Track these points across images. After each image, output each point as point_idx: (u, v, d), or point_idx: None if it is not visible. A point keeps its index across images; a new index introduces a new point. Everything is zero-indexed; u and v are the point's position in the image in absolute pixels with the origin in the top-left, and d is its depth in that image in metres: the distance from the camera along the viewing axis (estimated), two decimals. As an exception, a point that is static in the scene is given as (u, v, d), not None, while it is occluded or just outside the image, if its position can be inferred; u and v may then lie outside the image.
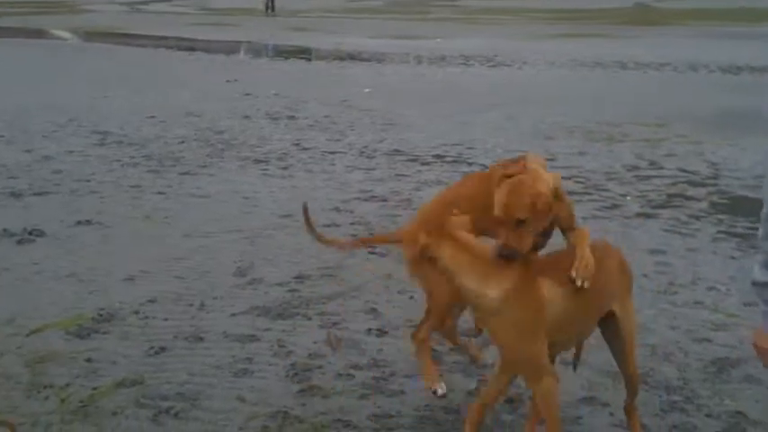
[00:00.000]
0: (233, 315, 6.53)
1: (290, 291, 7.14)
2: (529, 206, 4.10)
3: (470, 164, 12.26)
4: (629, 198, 10.28)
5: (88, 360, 5.77)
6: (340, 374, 5.57)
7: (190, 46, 31.36)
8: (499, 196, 4.18)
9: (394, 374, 5.57)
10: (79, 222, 8.91)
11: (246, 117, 15.98)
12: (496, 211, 4.15)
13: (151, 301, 6.84)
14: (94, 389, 5.36)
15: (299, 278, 7.44)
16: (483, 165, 12.16)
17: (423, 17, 43.81)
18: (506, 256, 4.01)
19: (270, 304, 6.79)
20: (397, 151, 13.16)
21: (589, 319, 4.33)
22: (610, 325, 4.46)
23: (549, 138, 14.16)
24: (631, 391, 4.63)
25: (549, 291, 4.02)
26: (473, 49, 28.93)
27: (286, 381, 5.49)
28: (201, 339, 6.13)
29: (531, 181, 4.19)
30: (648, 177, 11.36)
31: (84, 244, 8.26)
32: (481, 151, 13.12)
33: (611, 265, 4.35)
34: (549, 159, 11.93)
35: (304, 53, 29.13)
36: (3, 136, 13.78)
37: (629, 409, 4.73)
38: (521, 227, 4.09)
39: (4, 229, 8.49)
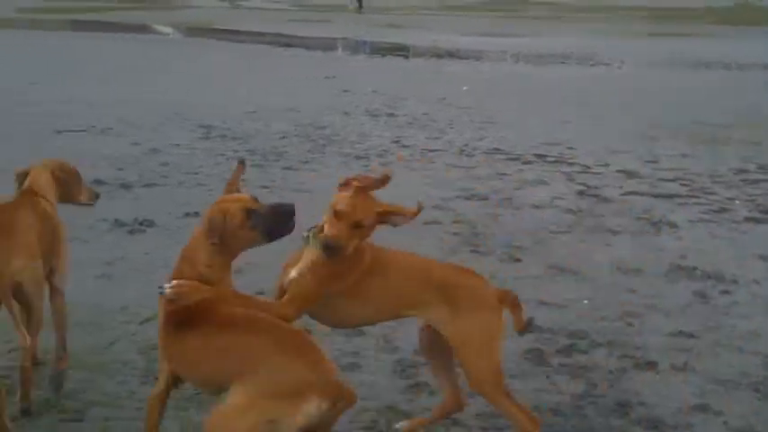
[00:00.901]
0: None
1: (394, 287, 7.17)
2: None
3: (571, 164, 12.18)
4: (737, 202, 10.08)
5: (200, 349, 5.88)
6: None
7: (288, 42, 31.73)
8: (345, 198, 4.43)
9: (501, 374, 5.57)
10: (187, 214, 9.10)
11: (346, 113, 16.11)
12: (341, 208, 4.36)
13: (260, 293, 6.93)
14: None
15: (404, 275, 7.47)
16: (585, 165, 12.08)
17: (518, 15, 43.52)
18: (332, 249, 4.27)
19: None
20: (496, 150, 13.13)
21: None
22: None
23: (653, 139, 13.97)
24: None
25: None
26: (570, 48, 28.64)
27: (393, 376, 5.54)
28: (308, 332, 6.20)
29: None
30: (757, 181, 11.12)
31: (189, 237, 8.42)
32: (582, 151, 13.01)
33: None
34: (651, 161, 11.85)
35: (401, 50, 29.18)
36: (111, 128, 14.15)
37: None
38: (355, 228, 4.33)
39: (116, 220, 8.72)
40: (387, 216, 4.64)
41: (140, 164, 11.53)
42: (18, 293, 5.06)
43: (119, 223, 8.66)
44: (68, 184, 5.68)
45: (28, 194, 5.41)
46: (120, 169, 11.26)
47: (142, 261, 7.65)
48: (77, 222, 8.75)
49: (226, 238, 4.13)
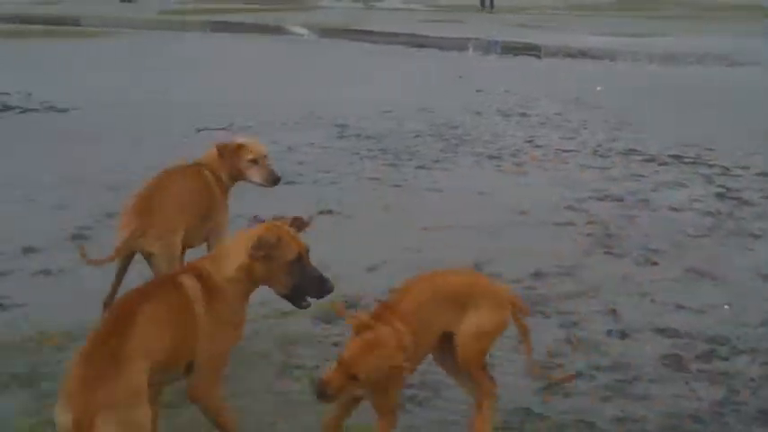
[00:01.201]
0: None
1: (527, 288, 7.16)
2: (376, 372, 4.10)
3: (710, 165, 11.86)
4: None
5: (335, 344, 6.00)
6: (581, 374, 5.54)
7: (420, 42, 31.76)
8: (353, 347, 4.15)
9: (638, 378, 5.50)
10: (321, 212, 9.26)
11: (479, 113, 16.07)
12: (345, 356, 4.12)
13: (394, 291, 7.02)
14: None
15: (536, 275, 7.46)
16: (723, 167, 11.76)
17: (651, 14, 42.52)
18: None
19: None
20: (632, 150, 12.90)
21: None
22: None
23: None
24: None
25: None
26: (707, 48, 27.84)
27: (527, 378, 5.52)
28: (442, 331, 6.24)
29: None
30: None
31: (326, 233, 8.54)
32: (721, 152, 12.65)
33: None
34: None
35: (533, 50, 28.90)
36: (251, 127, 14.48)
37: None
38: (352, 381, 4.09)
39: (254, 216, 8.93)
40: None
41: (277, 162, 11.69)
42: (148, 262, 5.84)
43: (257, 220, 8.86)
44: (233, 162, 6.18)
45: (195, 165, 6.17)
46: (260, 167, 11.51)
47: (408, 260, 7.73)
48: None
49: (265, 262, 4.10)
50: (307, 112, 15.93)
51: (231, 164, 6.20)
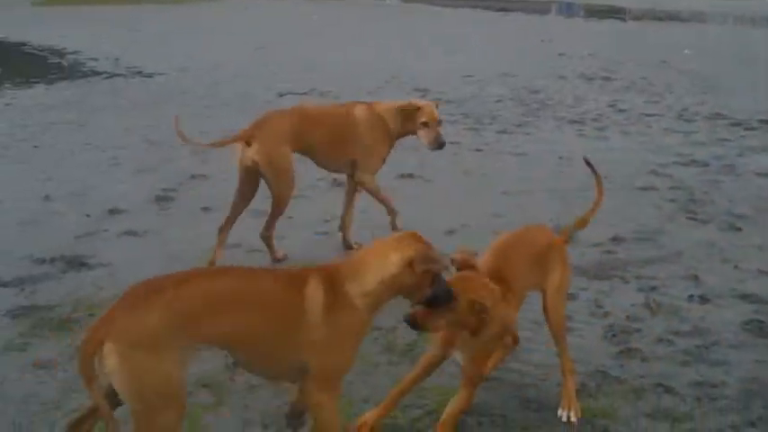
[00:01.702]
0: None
1: (606, 252, 7.09)
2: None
3: (801, 130, 11.56)
4: None
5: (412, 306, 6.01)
6: (660, 339, 5.48)
7: (502, 6, 31.50)
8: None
9: (717, 344, 5.41)
10: (402, 175, 9.28)
11: (561, 77, 15.89)
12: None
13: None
14: (419, 334, 5.59)
15: (616, 240, 7.37)
16: (815, 132, 11.45)
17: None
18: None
19: (586, 264, 6.77)
20: (718, 115, 12.64)
21: None
22: None
23: None
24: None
25: None
26: (803, 9, 27.05)
27: (604, 341, 5.48)
28: (519, 294, 6.22)
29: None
30: None
31: (407, 196, 8.57)
32: (813, 117, 12.32)
33: None
34: None
35: (617, 12, 28.41)
36: (331, 91, 14.57)
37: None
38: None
39: (334, 179, 8.98)
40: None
41: (358, 126, 11.81)
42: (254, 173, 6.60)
43: (336, 183, 8.92)
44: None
45: (367, 103, 6.91)
46: (338, 131, 11.58)
47: (359, 219, 7.84)
48: (302, 181, 9.13)
49: (413, 275, 3.94)
50: (388, 76, 15.95)
51: (405, 121, 6.75)
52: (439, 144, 6.74)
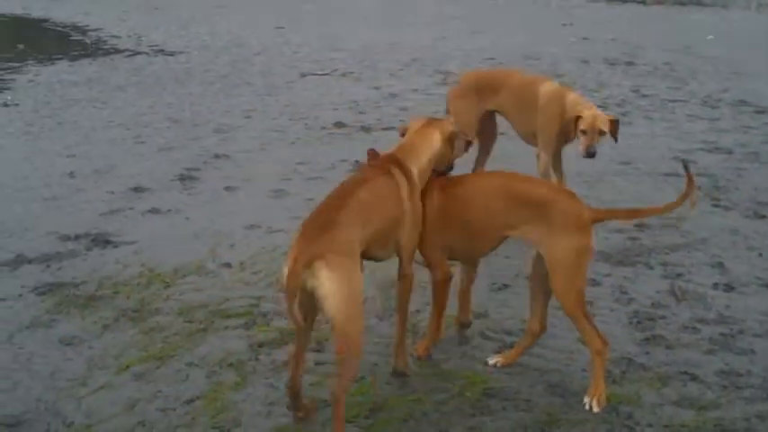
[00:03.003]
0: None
1: (630, 238, 7.06)
2: None
3: (826, 118, 11.47)
4: None
5: (433, 289, 6.01)
6: (685, 327, 5.46)
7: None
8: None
9: (743, 332, 5.39)
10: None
11: (584, 62, 15.80)
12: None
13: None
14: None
15: (640, 226, 7.33)
16: (841, 120, 11.36)
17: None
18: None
19: (610, 250, 6.75)
20: (742, 102, 12.55)
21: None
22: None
23: None
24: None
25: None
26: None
27: (629, 328, 5.47)
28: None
29: None
30: None
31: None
32: (838, 105, 12.22)
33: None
34: None
35: (641, -3, 28.24)
36: (353, 72, 14.55)
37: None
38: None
39: (356, 161, 8.97)
40: None
41: (380, 108, 11.79)
42: None
43: (358, 164, 8.91)
44: None
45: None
46: (362, 113, 11.57)
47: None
48: (322, 162, 9.13)
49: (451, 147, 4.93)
50: (410, 58, 15.90)
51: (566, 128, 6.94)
52: (589, 154, 6.82)
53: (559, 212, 4.57)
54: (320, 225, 4.14)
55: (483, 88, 7.42)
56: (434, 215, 4.82)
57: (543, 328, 4.99)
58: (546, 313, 4.96)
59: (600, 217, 4.76)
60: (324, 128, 10.72)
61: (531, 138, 7.39)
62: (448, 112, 7.45)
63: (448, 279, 4.96)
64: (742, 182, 8.68)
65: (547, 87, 7.17)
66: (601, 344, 4.53)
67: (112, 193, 8.16)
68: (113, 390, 4.69)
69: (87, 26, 21.12)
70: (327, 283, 3.95)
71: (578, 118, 6.75)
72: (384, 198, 4.51)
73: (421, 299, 5.67)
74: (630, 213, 5.36)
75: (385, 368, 4.92)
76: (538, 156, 7.24)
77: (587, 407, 4.52)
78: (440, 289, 4.98)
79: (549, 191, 4.79)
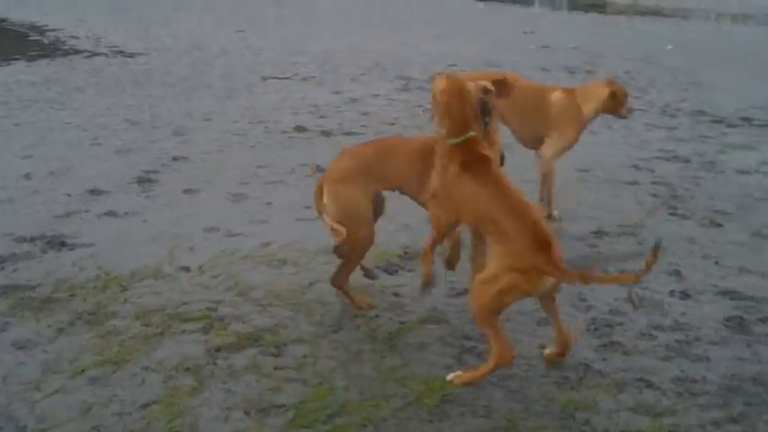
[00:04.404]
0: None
1: (589, 246, 7.10)
2: None
3: (781, 129, 11.63)
4: None
5: (396, 294, 6.02)
6: (642, 333, 5.50)
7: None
8: None
9: (699, 339, 5.43)
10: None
11: (545, 70, 15.90)
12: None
13: (453, 245, 7.02)
14: (401, 323, 5.59)
15: (598, 234, 7.38)
16: (796, 131, 11.53)
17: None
18: None
19: (570, 257, 6.76)
20: (700, 111, 12.69)
21: None
22: None
23: None
24: None
25: None
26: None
27: (587, 334, 5.49)
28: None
29: None
30: None
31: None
32: (794, 116, 12.40)
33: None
34: None
35: (600, 7, 28.48)
36: (314, 77, 14.52)
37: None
38: None
39: (317, 165, 8.94)
40: None
41: (341, 113, 11.78)
42: None
43: (319, 169, 8.88)
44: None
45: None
46: (322, 117, 11.55)
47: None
48: (281, 166, 9.10)
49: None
50: (371, 63, 15.90)
51: (613, 104, 7.67)
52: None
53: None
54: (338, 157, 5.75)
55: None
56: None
57: (567, 339, 5.06)
58: (562, 326, 5.02)
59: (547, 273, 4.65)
60: (284, 132, 10.68)
61: (533, 142, 7.82)
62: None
63: None
64: (699, 191, 8.77)
65: (558, 96, 7.59)
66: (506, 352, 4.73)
67: (69, 195, 8.06)
68: (68, 394, 4.62)
69: (46, 26, 20.89)
70: (330, 204, 5.59)
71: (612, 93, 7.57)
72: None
73: (380, 304, 5.66)
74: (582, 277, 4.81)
75: (343, 374, 4.90)
76: (544, 158, 7.71)
77: (449, 377, 4.81)
78: None
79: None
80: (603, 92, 7.63)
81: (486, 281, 4.70)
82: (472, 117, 5.08)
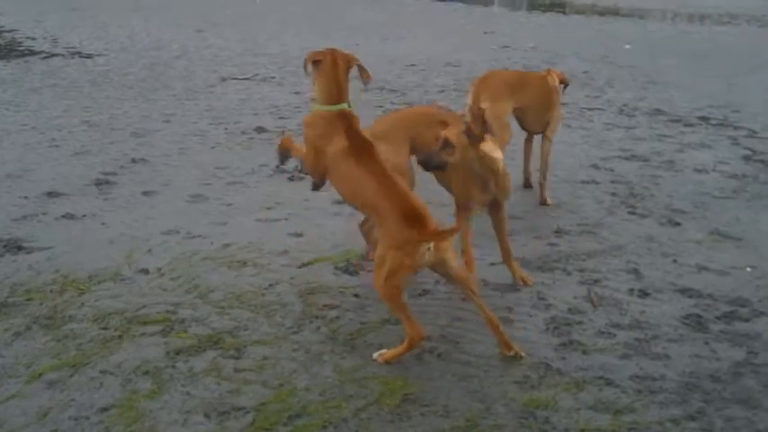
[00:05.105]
0: (492, 264, 6.58)
1: (549, 245, 7.14)
2: None
3: (737, 128, 11.77)
4: None
5: (356, 296, 6.01)
6: (601, 332, 5.53)
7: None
8: None
9: (657, 337, 5.47)
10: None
11: (505, 69, 15.94)
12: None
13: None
14: (362, 323, 5.58)
15: (558, 233, 7.42)
16: (751, 129, 11.67)
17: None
18: None
19: (529, 256, 6.81)
20: (658, 111, 12.80)
21: None
22: None
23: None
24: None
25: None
26: (740, 7, 27.48)
27: (546, 333, 5.51)
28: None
29: None
30: None
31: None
32: (749, 115, 12.55)
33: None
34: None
35: (559, 6, 28.65)
36: (274, 78, 14.47)
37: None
38: None
39: (277, 167, 8.90)
40: None
41: (301, 113, 11.72)
42: None
43: (279, 169, 8.85)
44: None
45: (546, 74, 8.39)
46: (282, 118, 11.52)
47: (301, 207, 7.82)
48: (241, 167, 9.06)
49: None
50: (330, 63, 15.86)
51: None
52: None
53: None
54: None
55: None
56: None
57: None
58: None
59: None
60: (244, 132, 10.64)
61: (542, 126, 8.40)
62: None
63: None
64: (657, 189, 8.84)
65: (553, 79, 8.30)
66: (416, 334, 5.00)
67: (26, 197, 7.96)
68: (24, 398, 4.57)
69: (2, 27, 20.64)
70: None
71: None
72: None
73: (341, 304, 5.64)
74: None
75: (304, 375, 4.88)
76: (551, 139, 8.41)
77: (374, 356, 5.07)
78: None
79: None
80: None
81: (377, 266, 4.98)
82: (345, 87, 5.44)
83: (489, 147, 5.73)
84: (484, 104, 7.62)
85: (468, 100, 7.94)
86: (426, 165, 5.84)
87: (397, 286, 4.92)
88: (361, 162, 5.20)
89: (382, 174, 5.16)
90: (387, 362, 5.04)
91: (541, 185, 8.33)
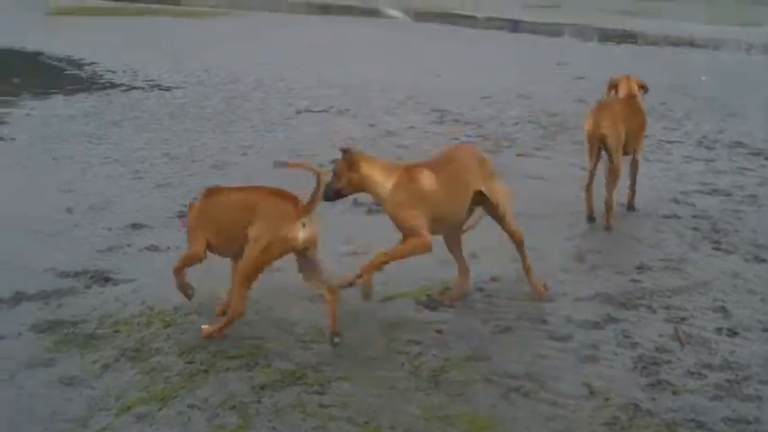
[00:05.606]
0: (576, 300, 6.52)
1: (631, 281, 7.04)
2: None
3: (821, 161, 11.51)
4: None
5: (438, 331, 5.99)
6: (690, 372, 5.43)
7: (516, 27, 31.49)
8: None
9: (748, 378, 5.36)
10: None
11: (580, 100, 15.81)
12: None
13: (494, 280, 7.00)
14: (445, 360, 5.56)
15: (641, 268, 7.32)
16: (837, 163, 11.42)
17: (756, 0, 41.33)
18: None
19: (612, 292, 6.72)
20: (738, 143, 12.59)
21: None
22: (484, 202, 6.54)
23: None
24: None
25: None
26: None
27: (634, 372, 5.43)
28: (545, 322, 6.18)
29: None
30: None
31: (427, 218, 8.52)
32: (834, 147, 12.27)
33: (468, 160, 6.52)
34: None
35: (631, 38, 28.41)
36: (349, 110, 14.57)
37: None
38: None
39: (355, 200, 8.92)
40: None
41: (377, 145, 11.77)
42: (603, 144, 8.59)
43: (357, 203, 8.88)
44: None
45: (629, 96, 9.09)
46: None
47: (379, 240, 7.78)
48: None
49: None
50: (405, 96, 15.93)
51: None
52: None
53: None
54: None
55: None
56: None
57: None
58: None
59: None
60: (322, 165, 10.67)
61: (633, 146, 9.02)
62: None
63: None
64: (741, 224, 8.67)
65: (640, 100, 9.18)
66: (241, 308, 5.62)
67: (110, 229, 8.12)
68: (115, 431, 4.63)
69: (83, 60, 21.10)
70: None
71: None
72: None
73: (423, 340, 5.62)
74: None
75: (388, 412, 4.86)
76: (639, 158, 9.20)
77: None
78: None
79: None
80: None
81: (255, 239, 5.51)
82: None
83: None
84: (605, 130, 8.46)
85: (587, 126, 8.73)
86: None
87: (268, 261, 5.60)
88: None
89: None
90: (206, 337, 5.69)
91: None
